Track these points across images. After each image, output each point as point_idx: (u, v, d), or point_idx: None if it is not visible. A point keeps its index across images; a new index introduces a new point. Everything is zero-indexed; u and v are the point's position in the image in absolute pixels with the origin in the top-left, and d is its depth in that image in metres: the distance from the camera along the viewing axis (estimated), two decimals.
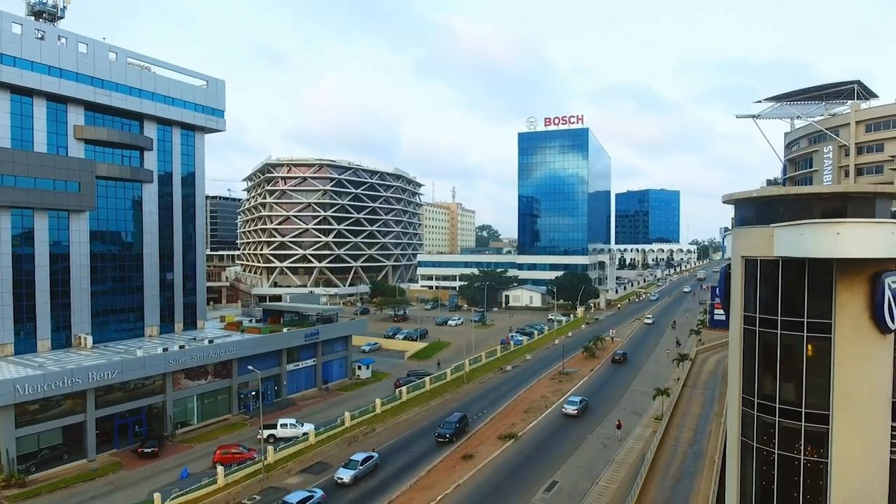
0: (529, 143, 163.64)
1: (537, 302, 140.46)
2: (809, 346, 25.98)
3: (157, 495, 41.26)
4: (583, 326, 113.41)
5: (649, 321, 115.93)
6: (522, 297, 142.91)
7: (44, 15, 60.57)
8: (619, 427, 55.19)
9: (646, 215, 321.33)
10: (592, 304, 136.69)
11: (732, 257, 29.85)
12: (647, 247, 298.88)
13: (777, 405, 26.93)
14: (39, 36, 55.92)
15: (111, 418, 52.54)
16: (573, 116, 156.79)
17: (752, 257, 27.83)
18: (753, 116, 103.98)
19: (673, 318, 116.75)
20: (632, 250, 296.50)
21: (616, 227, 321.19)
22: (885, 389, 25.64)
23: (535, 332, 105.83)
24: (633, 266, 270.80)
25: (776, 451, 26.91)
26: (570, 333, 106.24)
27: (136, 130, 65.62)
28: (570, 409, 61.54)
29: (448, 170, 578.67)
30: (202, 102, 71.27)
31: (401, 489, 44.77)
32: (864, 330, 24.94)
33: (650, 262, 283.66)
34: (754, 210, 28.65)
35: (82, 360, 53.45)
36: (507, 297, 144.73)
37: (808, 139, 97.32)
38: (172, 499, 41.81)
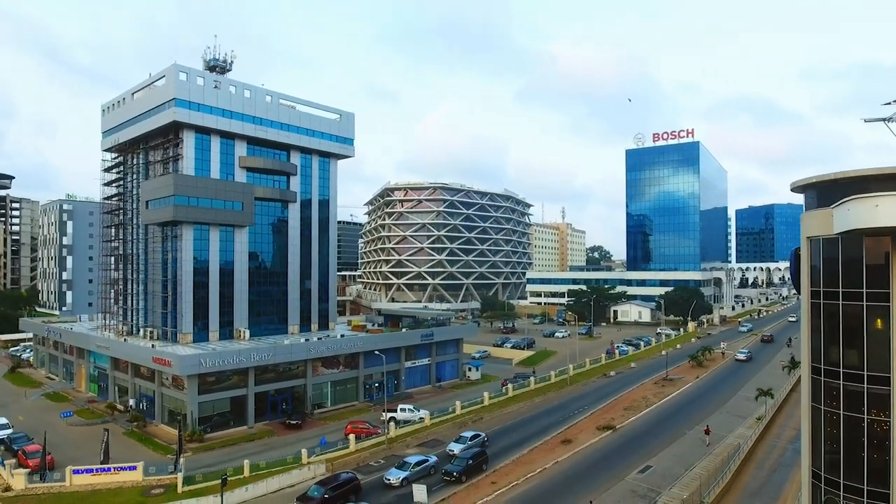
0: (637, 160, 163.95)
1: (646, 317, 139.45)
2: (869, 315, 28.56)
3: (304, 451, 50.36)
4: (693, 340, 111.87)
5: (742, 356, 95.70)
6: (631, 312, 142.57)
7: (216, 69, 75.43)
8: (707, 433, 55.15)
9: (771, 232, 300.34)
10: (705, 320, 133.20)
11: (801, 239, 32.86)
12: (772, 265, 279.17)
13: (841, 370, 29.57)
14: (215, 86, 70.16)
15: (265, 395, 63.42)
16: (682, 131, 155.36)
17: (816, 237, 30.91)
18: (885, 120, 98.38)
19: (789, 336, 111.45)
20: (755, 269, 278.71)
21: (737, 244, 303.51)
22: None
23: (642, 343, 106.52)
24: (756, 285, 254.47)
25: (841, 412, 29.47)
26: (678, 346, 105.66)
27: (284, 158, 78.56)
28: (741, 356, 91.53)
29: (557, 192, 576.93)
30: (336, 133, 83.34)
31: (504, 462, 50.27)
32: None
33: (776, 280, 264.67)
34: (817, 195, 31.71)
35: (243, 347, 65.04)
36: (615, 312, 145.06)
37: None
38: (316, 456, 50.68)
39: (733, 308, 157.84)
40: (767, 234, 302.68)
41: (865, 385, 28.60)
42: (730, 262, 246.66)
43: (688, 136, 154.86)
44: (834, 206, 29.08)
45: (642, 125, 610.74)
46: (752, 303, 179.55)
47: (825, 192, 30.91)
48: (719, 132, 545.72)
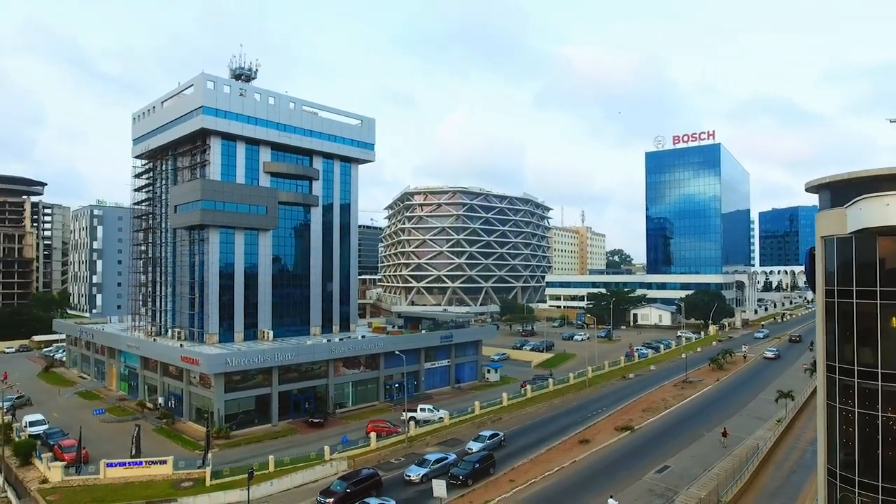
0: (657, 163, 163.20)
1: (666, 320, 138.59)
2: (883, 314, 28.82)
3: (326, 448, 51.68)
4: (714, 343, 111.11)
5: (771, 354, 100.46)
6: (651, 315, 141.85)
7: (241, 77, 77.60)
8: (724, 435, 54.97)
9: (796, 235, 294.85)
10: (727, 324, 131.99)
11: (815, 239, 33.19)
12: (797, 268, 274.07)
13: (856, 368, 29.84)
14: (241, 94, 72.30)
15: (288, 394, 64.99)
16: (703, 133, 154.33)
17: (830, 236, 31.24)
18: None
19: (811, 340, 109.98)
20: (779, 272, 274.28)
21: (760, 247, 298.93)
22: None
23: (662, 346, 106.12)
24: (780, 288, 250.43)
25: (856, 410, 29.73)
26: (699, 349, 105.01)
27: (307, 163, 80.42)
28: (770, 354, 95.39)
29: (576, 195, 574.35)
30: (357, 138, 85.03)
31: (522, 461, 50.95)
32: None
33: (801, 284, 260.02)
34: (831, 195, 32.04)
35: (267, 347, 66.72)
36: (635, 315, 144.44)
37: None
38: (339, 453, 51.97)
39: (756, 311, 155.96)
40: (792, 236, 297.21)
41: (880, 383, 28.84)
42: (753, 265, 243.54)
43: (708, 139, 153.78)
44: (847, 206, 29.45)
45: (661, 127, 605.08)
46: (775, 306, 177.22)
47: (839, 191, 31.23)
48: (742, 134, 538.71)
